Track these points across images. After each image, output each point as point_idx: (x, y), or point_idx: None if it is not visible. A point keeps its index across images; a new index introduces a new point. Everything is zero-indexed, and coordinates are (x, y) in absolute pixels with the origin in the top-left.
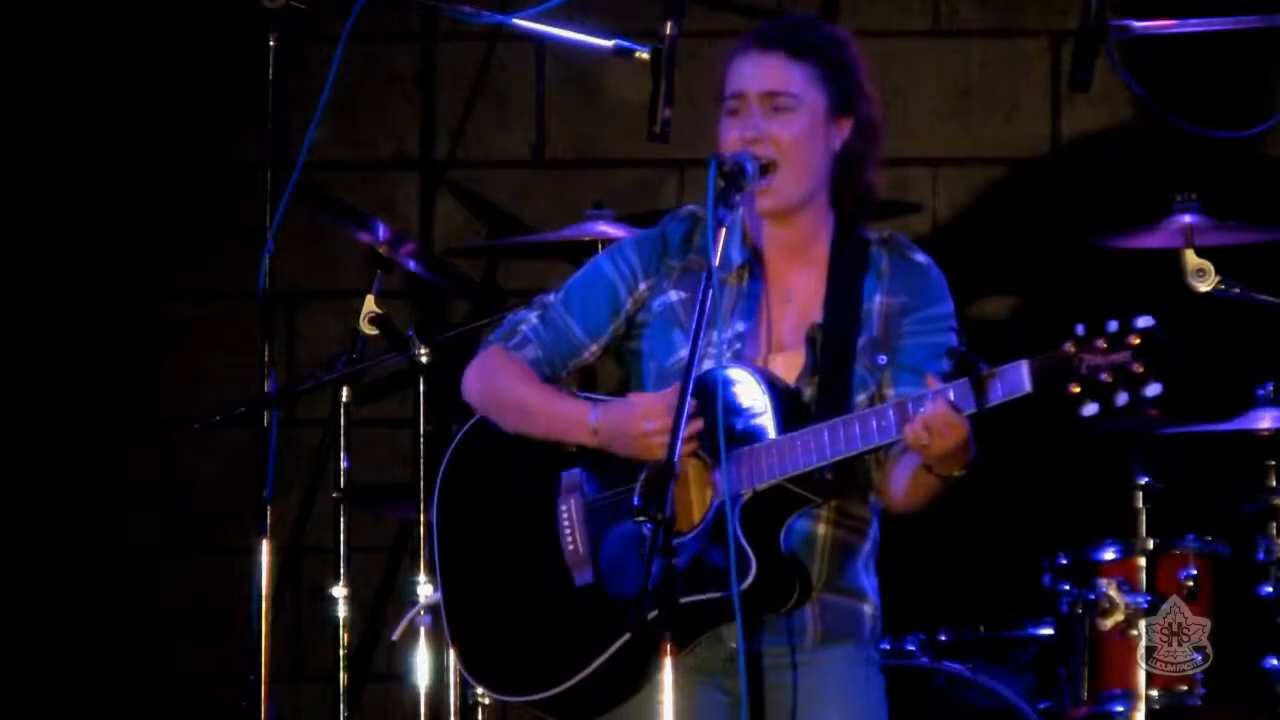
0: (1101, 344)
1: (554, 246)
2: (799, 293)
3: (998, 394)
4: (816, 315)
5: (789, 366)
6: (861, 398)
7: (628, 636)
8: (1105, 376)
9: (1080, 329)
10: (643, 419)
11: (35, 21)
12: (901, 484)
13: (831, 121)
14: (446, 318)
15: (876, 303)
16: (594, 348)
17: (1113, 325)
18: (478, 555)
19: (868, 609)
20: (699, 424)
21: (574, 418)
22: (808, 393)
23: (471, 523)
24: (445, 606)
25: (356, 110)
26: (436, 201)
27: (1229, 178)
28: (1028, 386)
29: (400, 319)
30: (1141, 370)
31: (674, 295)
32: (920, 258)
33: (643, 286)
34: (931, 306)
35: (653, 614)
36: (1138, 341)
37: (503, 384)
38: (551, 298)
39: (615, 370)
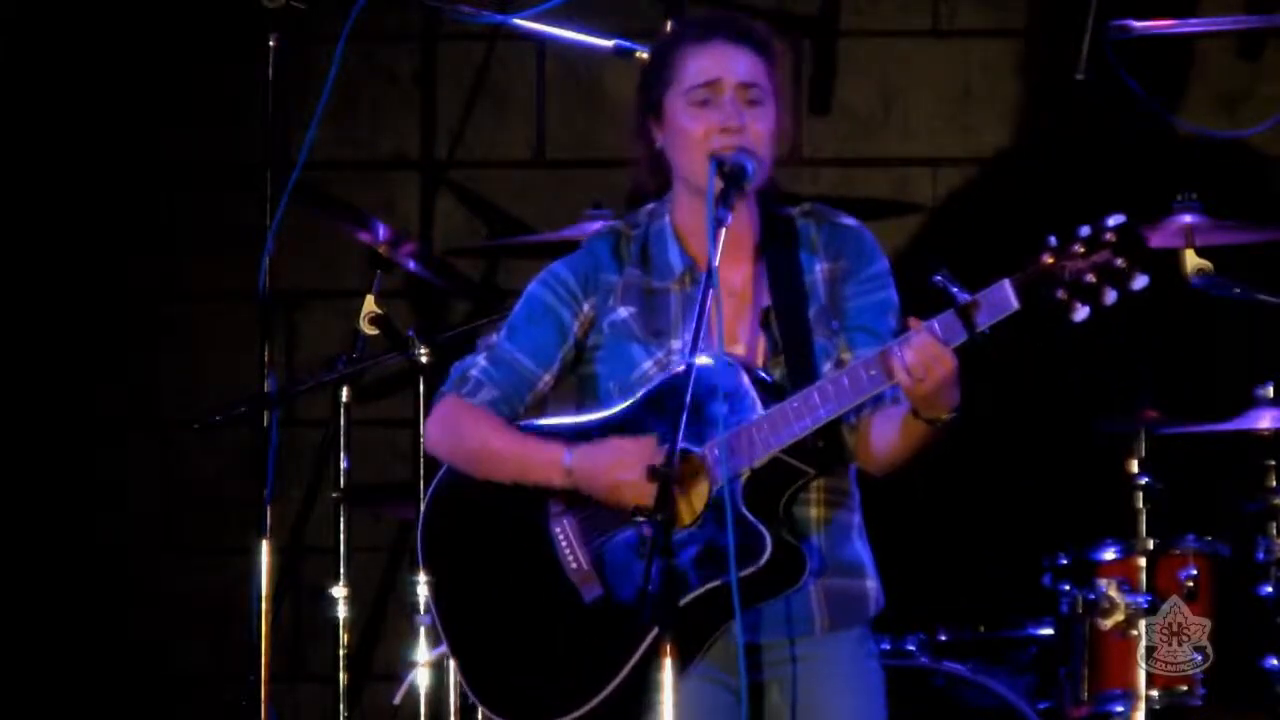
0: (1079, 248)
1: (554, 246)
2: (741, 283)
3: (985, 318)
4: (764, 299)
5: (752, 355)
6: (828, 366)
7: (655, 634)
8: (1090, 278)
9: (1053, 239)
10: (620, 467)
11: (35, 21)
12: (887, 438)
13: (782, 116)
14: (446, 318)
15: (818, 272)
16: (547, 377)
17: (1085, 229)
18: (479, 596)
19: (870, 586)
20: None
21: (546, 460)
22: (777, 373)
23: (465, 567)
24: (453, 649)
25: (356, 110)
26: (436, 201)
27: (1229, 178)
28: (1014, 304)
29: (400, 319)
30: (1125, 265)
31: (623, 312)
32: (848, 221)
33: (586, 308)
34: (870, 266)
35: (684, 599)
36: (1114, 238)
37: (466, 432)
38: (495, 338)
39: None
